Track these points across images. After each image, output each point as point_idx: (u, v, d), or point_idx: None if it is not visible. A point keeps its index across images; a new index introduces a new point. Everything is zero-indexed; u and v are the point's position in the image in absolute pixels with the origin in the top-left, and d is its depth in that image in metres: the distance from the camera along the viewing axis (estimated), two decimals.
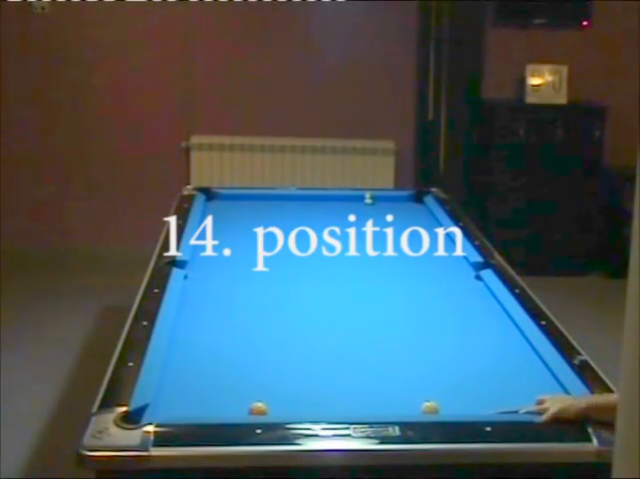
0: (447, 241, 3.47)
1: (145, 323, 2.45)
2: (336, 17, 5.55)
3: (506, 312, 2.70)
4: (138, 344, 2.31)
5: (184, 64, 5.56)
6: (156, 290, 2.73)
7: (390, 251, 3.40)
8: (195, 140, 5.58)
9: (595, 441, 1.86)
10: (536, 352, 2.40)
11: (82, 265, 5.43)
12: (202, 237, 3.41)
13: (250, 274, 3.07)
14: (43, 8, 5.40)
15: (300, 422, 1.90)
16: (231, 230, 3.64)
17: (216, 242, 3.36)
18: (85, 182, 5.65)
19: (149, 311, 2.55)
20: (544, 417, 1.92)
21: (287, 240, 3.47)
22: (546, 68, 5.49)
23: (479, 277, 3.03)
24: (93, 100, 5.56)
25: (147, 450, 1.79)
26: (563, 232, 5.57)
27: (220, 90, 5.61)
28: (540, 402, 1.99)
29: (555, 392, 2.10)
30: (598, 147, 5.51)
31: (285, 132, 5.61)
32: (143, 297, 2.69)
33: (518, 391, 2.16)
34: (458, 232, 3.51)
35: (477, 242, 3.38)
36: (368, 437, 1.86)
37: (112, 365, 2.19)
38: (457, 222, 3.67)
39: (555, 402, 1.96)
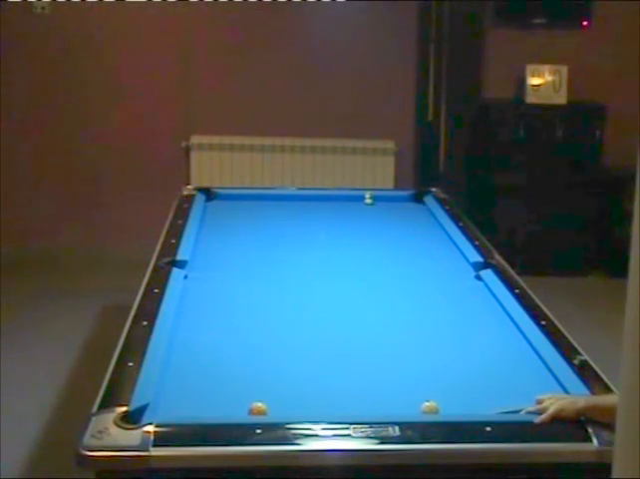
0: (446, 241, 3.48)
1: (145, 323, 2.45)
2: (336, 17, 5.55)
3: (506, 312, 2.70)
4: (138, 344, 2.31)
5: (184, 64, 5.56)
6: (156, 290, 2.73)
7: (390, 251, 3.41)
8: (195, 140, 5.58)
9: (595, 441, 1.86)
10: (536, 352, 2.40)
11: (82, 265, 5.43)
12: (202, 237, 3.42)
13: (250, 274, 3.07)
14: (43, 8, 5.40)
15: (300, 422, 1.90)
16: (231, 229, 3.64)
17: (216, 242, 3.36)
18: (85, 181, 5.65)
19: (149, 311, 2.55)
20: (543, 417, 1.92)
21: (287, 241, 3.48)
22: (546, 68, 5.50)
23: (478, 277, 3.03)
24: (93, 100, 5.56)
25: (147, 450, 1.79)
26: (563, 231, 5.56)
27: (220, 90, 5.61)
28: (540, 402, 2.00)
29: (555, 392, 2.10)
30: (598, 147, 5.51)
31: (285, 132, 5.61)
32: (143, 297, 2.69)
33: (518, 391, 2.15)
34: (457, 232, 3.51)
35: (476, 243, 3.37)
36: (368, 437, 1.86)
37: (112, 365, 2.19)
38: (456, 222, 3.67)
39: (554, 402, 1.96)
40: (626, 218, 4.37)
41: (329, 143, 5.60)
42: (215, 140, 5.57)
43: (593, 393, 2.09)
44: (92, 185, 5.66)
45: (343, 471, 1.88)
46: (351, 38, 5.59)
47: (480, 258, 3.18)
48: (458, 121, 5.54)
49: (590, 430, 1.88)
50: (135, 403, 1.95)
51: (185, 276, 2.94)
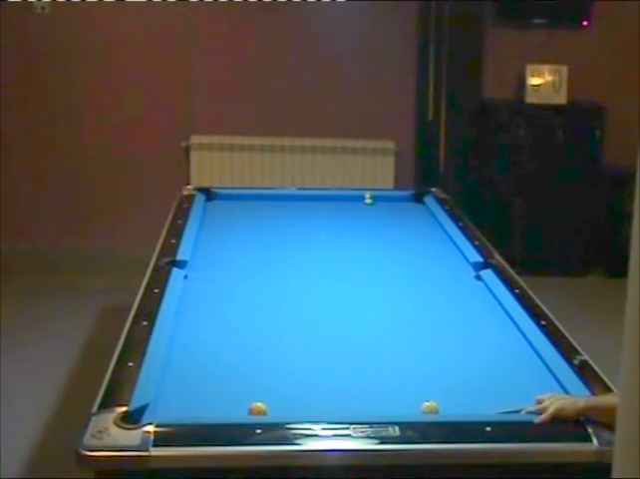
0: (446, 241, 3.48)
1: (145, 323, 2.45)
2: (336, 17, 5.55)
3: (506, 312, 2.70)
4: (138, 344, 2.31)
5: (184, 64, 5.56)
6: (156, 290, 2.73)
7: (390, 252, 3.40)
8: (195, 140, 5.58)
9: (595, 441, 1.86)
10: (536, 352, 2.40)
11: (82, 266, 5.43)
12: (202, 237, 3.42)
13: (250, 274, 3.07)
14: (43, 8, 5.40)
15: (300, 422, 1.90)
16: (231, 229, 3.64)
17: (216, 242, 3.36)
18: (85, 181, 5.65)
19: (149, 311, 2.55)
20: (544, 417, 1.92)
21: (287, 241, 3.48)
22: (546, 68, 5.49)
23: (478, 277, 3.03)
24: (92, 99, 5.56)
25: (147, 450, 1.79)
26: (563, 231, 5.56)
27: (220, 90, 5.61)
28: (540, 402, 2.00)
29: (555, 392, 2.10)
30: (598, 147, 5.51)
31: (285, 132, 5.61)
32: (143, 297, 2.69)
33: (518, 391, 2.16)
34: (457, 232, 3.51)
35: (476, 243, 3.37)
36: (368, 437, 1.86)
37: (112, 365, 2.19)
38: (456, 222, 3.67)
39: (555, 402, 1.96)
40: (626, 218, 4.37)
41: (329, 143, 5.60)
42: (215, 140, 5.57)
43: (593, 393, 2.09)
44: (92, 184, 5.66)
45: (343, 471, 1.89)
46: (351, 38, 5.59)
47: (480, 258, 3.18)
48: (458, 121, 5.54)
49: (590, 430, 1.88)
50: (135, 403, 1.95)
51: (185, 276, 2.94)
